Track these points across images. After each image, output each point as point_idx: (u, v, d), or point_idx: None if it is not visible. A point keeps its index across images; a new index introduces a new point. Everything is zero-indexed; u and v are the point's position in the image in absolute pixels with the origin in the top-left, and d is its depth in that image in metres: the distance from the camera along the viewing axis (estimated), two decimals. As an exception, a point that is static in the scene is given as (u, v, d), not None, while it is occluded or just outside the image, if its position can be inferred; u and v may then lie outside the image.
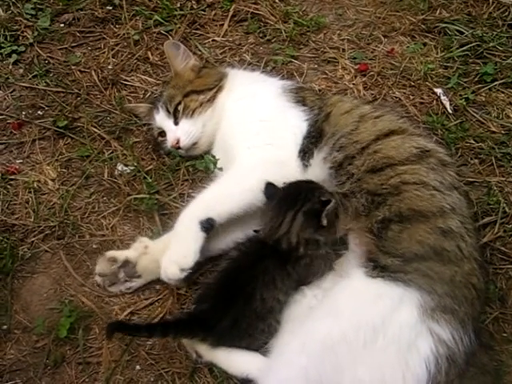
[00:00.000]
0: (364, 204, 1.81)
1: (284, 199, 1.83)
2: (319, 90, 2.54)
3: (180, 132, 2.21)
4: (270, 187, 1.87)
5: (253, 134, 2.05)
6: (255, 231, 1.98)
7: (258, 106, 2.14)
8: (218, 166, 2.15)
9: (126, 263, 1.91)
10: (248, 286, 1.71)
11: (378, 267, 1.68)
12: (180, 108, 2.22)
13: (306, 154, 2.01)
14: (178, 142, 2.20)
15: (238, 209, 1.90)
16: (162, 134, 2.27)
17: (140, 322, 1.83)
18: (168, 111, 2.24)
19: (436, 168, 1.85)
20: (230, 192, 1.93)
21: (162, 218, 2.10)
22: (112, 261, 1.92)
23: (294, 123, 2.07)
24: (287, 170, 1.97)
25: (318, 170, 1.97)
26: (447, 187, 1.81)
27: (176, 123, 2.23)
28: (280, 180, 1.90)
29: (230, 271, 1.78)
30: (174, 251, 1.83)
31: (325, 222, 1.74)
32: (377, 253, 1.71)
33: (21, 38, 2.73)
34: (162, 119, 2.26)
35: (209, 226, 1.85)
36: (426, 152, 1.89)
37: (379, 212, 1.77)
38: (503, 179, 2.26)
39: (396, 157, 1.86)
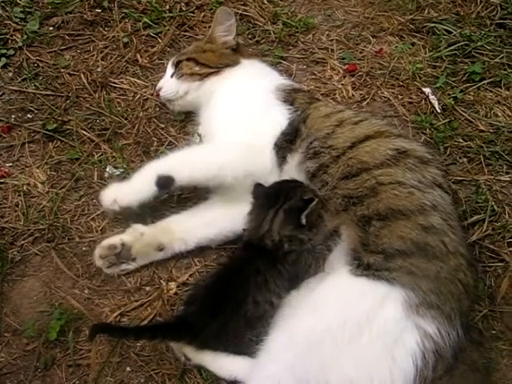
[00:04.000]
0: (341, 203, 1.83)
1: (267, 197, 1.82)
2: (308, 91, 2.55)
3: (166, 85, 2.37)
4: (258, 188, 1.87)
5: (234, 121, 2.09)
6: (244, 230, 2.00)
7: (246, 101, 2.16)
8: None
9: (123, 246, 1.95)
10: (240, 289, 1.69)
11: (362, 265, 1.69)
12: (179, 67, 2.35)
13: (279, 151, 2.03)
14: (159, 90, 2.37)
15: (202, 177, 1.96)
16: None
17: (127, 325, 1.83)
18: (174, 62, 2.38)
19: (414, 167, 1.85)
20: (200, 160, 1.99)
21: (152, 219, 2.10)
22: (112, 248, 1.95)
23: (276, 118, 2.09)
24: (260, 157, 1.99)
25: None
26: (427, 185, 1.82)
27: (171, 75, 2.37)
28: (251, 167, 1.96)
29: (222, 276, 1.77)
30: (123, 185, 1.96)
31: (304, 221, 1.73)
32: (360, 250, 1.72)
33: (10, 41, 2.73)
34: (171, 62, 2.41)
35: (164, 184, 1.91)
36: (404, 152, 1.89)
37: (357, 209, 1.79)
38: (491, 177, 2.27)
39: (370, 162, 1.87)
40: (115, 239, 1.97)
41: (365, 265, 1.68)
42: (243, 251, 1.83)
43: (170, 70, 2.40)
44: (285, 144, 2.03)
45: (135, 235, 1.98)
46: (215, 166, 1.96)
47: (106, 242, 1.97)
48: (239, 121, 2.09)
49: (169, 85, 2.36)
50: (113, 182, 2.02)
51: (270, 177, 1.98)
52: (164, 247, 2.00)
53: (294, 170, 1.99)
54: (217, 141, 2.07)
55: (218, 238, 2.03)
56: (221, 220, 2.03)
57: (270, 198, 1.81)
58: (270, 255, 1.75)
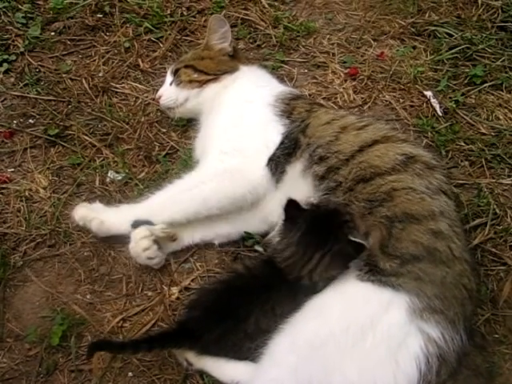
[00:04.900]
0: (365, 206, 1.81)
1: (312, 235, 1.69)
2: (309, 95, 2.55)
3: (166, 92, 2.39)
4: (292, 208, 1.72)
5: (227, 138, 2.08)
6: (247, 233, 2.01)
7: (244, 114, 2.15)
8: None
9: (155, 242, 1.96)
10: (243, 309, 1.66)
11: (371, 271, 1.67)
12: (177, 74, 2.37)
13: (276, 166, 2.01)
14: (159, 98, 2.40)
15: (183, 218, 1.98)
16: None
17: (124, 340, 1.81)
18: (173, 69, 2.40)
19: (422, 173, 1.84)
20: (181, 198, 2.00)
21: (153, 224, 2.10)
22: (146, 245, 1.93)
23: (271, 137, 2.06)
24: (250, 181, 1.99)
25: (296, 185, 1.97)
26: (434, 191, 1.81)
27: (171, 83, 2.39)
28: (238, 193, 1.99)
29: (231, 287, 1.73)
30: (100, 212, 2.02)
31: (351, 265, 1.68)
32: (378, 253, 1.70)
33: (12, 46, 2.74)
34: (170, 70, 2.44)
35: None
36: (411, 158, 1.89)
37: (381, 211, 1.78)
38: (493, 181, 2.27)
39: (381, 166, 1.86)
40: (148, 229, 1.94)
41: (376, 270, 1.66)
42: (263, 268, 1.76)
43: (169, 78, 2.42)
44: (282, 158, 2.01)
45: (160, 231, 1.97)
46: (196, 203, 1.98)
47: (146, 230, 1.93)
48: (230, 139, 2.08)
49: (168, 93, 2.38)
50: (98, 206, 2.07)
51: (267, 193, 2.02)
52: (176, 237, 2.01)
53: (297, 176, 1.98)
54: (201, 170, 2.06)
55: (221, 231, 2.05)
56: (223, 218, 2.03)
57: (317, 238, 1.69)
58: (294, 289, 1.69)
